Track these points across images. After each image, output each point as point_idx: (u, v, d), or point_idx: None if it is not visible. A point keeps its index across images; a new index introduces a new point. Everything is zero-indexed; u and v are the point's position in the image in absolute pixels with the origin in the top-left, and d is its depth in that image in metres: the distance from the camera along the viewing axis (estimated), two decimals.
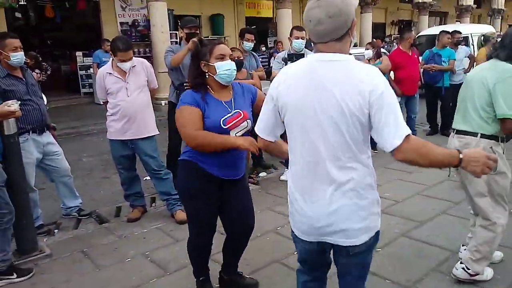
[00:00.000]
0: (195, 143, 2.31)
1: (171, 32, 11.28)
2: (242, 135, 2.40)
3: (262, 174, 5.16)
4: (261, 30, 14.20)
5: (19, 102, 3.08)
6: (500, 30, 19.66)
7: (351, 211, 1.62)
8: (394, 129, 1.49)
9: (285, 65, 4.52)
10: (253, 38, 4.89)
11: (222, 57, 2.33)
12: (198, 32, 4.43)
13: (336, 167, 1.59)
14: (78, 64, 12.08)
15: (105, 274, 3.03)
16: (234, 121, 2.36)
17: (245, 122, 2.41)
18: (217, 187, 2.44)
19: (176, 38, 12.46)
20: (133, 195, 4.01)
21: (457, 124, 2.67)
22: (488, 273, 2.74)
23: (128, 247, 3.42)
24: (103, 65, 8.93)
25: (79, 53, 12.13)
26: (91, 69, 11.48)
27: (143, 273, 3.00)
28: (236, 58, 4.39)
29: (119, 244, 3.48)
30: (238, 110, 2.39)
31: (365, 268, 1.83)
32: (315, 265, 1.95)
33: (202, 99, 2.31)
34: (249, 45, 4.83)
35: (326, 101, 1.55)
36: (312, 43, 1.70)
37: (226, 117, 2.33)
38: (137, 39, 12.21)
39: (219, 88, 2.39)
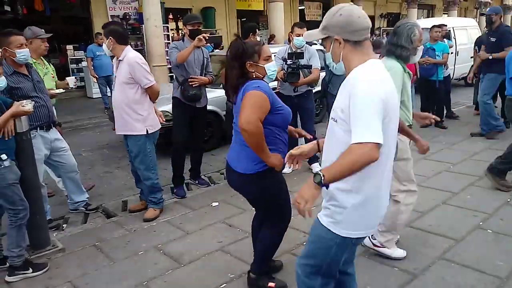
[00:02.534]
0: (251, 131, 2.21)
1: (163, 25, 11.22)
2: None
3: None
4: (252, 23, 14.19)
5: (33, 102, 3.10)
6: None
7: None
8: None
9: (285, 63, 4.58)
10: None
11: (268, 58, 2.46)
12: (201, 28, 4.44)
13: None
14: (69, 57, 11.94)
15: (120, 267, 3.09)
16: None
17: None
18: None
19: (168, 32, 12.42)
20: (139, 188, 4.11)
21: None
22: (398, 252, 3.04)
23: (139, 240, 3.48)
24: (97, 59, 8.98)
25: (69, 47, 12.00)
26: (83, 63, 11.38)
27: (158, 266, 3.07)
28: None
29: (130, 238, 3.54)
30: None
31: None
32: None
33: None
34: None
35: None
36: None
37: None
38: (128, 32, 12.08)
39: None
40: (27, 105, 3.01)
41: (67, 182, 4.01)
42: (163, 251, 3.29)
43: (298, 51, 4.60)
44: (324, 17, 1.78)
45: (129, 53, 3.68)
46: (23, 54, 3.41)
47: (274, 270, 2.89)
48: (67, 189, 4.07)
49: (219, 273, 2.93)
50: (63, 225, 3.84)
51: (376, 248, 3.06)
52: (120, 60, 3.66)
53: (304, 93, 4.78)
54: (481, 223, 3.52)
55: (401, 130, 2.54)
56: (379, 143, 1.55)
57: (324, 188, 1.65)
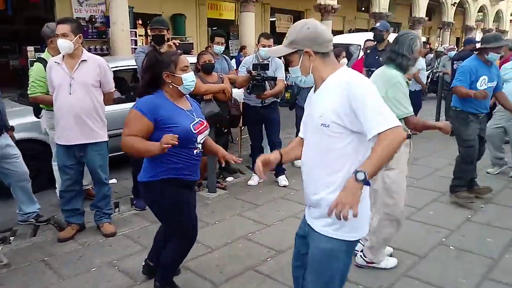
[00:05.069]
0: (122, 145, 2.35)
1: (131, 30, 10.97)
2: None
3: (230, 179, 5.11)
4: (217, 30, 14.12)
5: None
6: (449, 42, 20.90)
7: None
8: None
9: (250, 75, 4.48)
10: (223, 41, 4.85)
11: (186, 69, 2.44)
12: (164, 33, 4.27)
13: None
14: (30, 59, 11.41)
15: (70, 285, 2.87)
16: (200, 128, 2.47)
17: (207, 130, 2.54)
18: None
19: (136, 37, 12.14)
20: (70, 211, 3.60)
21: None
22: (391, 262, 3.07)
23: (93, 255, 3.26)
24: None
25: (30, 48, 11.47)
26: None
27: (111, 284, 2.87)
28: (207, 62, 4.38)
29: (83, 252, 3.31)
30: (200, 119, 2.51)
31: None
32: None
33: (164, 108, 2.37)
34: (219, 48, 4.78)
35: None
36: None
37: (194, 123, 2.43)
38: (94, 35, 11.76)
39: (178, 97, 2.49)
40: None
41: (17, 191, 3.73)
42: (119, 267, 3.09)
43: (264, 62, 4.54)
44: (288, 33, 1.80)
45: (89, 54, 3.50)
46: None
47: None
48: (17, 199, 3.78)
49: None
50: (10, 238, 3.56)
51: (370, 265, 3.04)
52: (83, 60, 3.39)
53: (270, 104, 4.73)
54: (443, 240, 3.53)
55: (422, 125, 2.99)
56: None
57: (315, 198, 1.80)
